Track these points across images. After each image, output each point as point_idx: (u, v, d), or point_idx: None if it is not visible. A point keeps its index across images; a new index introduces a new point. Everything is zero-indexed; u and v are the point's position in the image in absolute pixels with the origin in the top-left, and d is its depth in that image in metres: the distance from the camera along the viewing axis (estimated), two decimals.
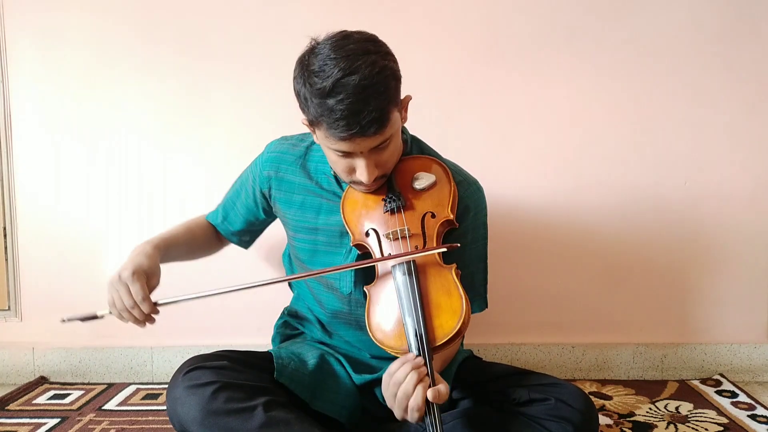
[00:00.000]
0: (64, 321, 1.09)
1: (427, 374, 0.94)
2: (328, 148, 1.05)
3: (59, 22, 1.72)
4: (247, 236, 1.41)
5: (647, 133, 1.73)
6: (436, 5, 1.70)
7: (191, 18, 1.72)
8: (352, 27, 1.06)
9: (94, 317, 1.09)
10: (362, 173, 1.05)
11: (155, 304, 1.10)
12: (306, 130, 1.23)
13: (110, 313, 1.11)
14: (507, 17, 1.70)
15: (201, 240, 1.37)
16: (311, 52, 1.02)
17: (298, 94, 1.04)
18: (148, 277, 1.12)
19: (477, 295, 1.24)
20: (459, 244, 1.06)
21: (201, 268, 1.47)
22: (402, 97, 1.08)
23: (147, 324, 1.12)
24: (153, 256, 1.16)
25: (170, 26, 1.72)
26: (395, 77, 1.03)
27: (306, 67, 1.01)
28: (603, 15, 1.70)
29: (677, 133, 1.73)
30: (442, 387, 0.93)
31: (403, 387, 0.93)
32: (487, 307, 1.27)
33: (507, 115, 1.73)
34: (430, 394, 0.91)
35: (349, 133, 0.98)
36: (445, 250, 1.05)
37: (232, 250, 1.45)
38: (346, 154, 1.04)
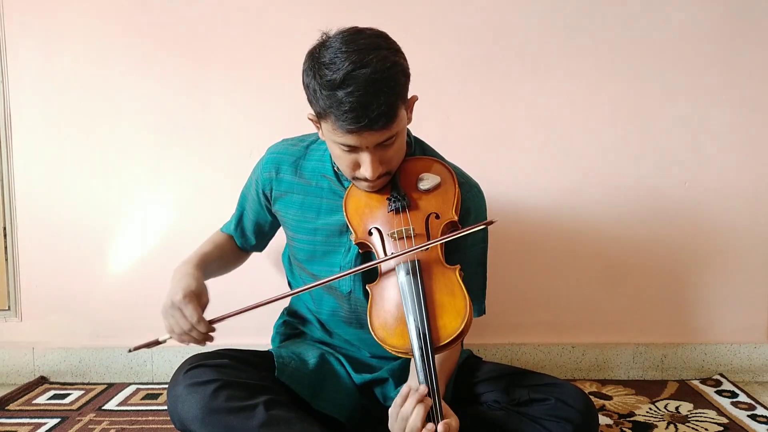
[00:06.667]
0: (131, 351, 1.11)
1: (433, 404, 0.94)
2: (334, 142, 1.04)
3: (59, 23, 1.72)
4: (264, 241, 1.41)
5: (647, 133, 1.73)
6: (437, 5, 1.70)
7: (191, 18, 1.71)
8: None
9: (157, 343, 1.11)
10: (366, 169, 1.05)
11: (210, 322, 1.11)
12: (307, 130, 1.23)
13: (170, 337, 1.12)
14: (507, 17, 1.71)
15: (230, 253, 1.38)
16: (322, 45, 1.02)
17: (307, 87, 1.04)
18: (198, 297, 1.13)
19: (473, 301, 1.21)
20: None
21: None
22: (409, 96, 1.07)
23: (207, 342, 1.13)
24: (197, 275, 1.17)
25: (170, 26, 1.72)
26: (405, 74, 1.03)
27: (316, 59, 1.01)
28: (603, 14, 1.70)
29: (677, 133, 1.73)
30: (453, 422, 0.93)
31: (410, 422, 0.92)
32: (484, 313, 1.25)
33: (506, 114, 1.73)
34: (441, 427, 0.91)
35: (357, 125, 0.97)
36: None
37: None
38: (352, 149, 1.03)
